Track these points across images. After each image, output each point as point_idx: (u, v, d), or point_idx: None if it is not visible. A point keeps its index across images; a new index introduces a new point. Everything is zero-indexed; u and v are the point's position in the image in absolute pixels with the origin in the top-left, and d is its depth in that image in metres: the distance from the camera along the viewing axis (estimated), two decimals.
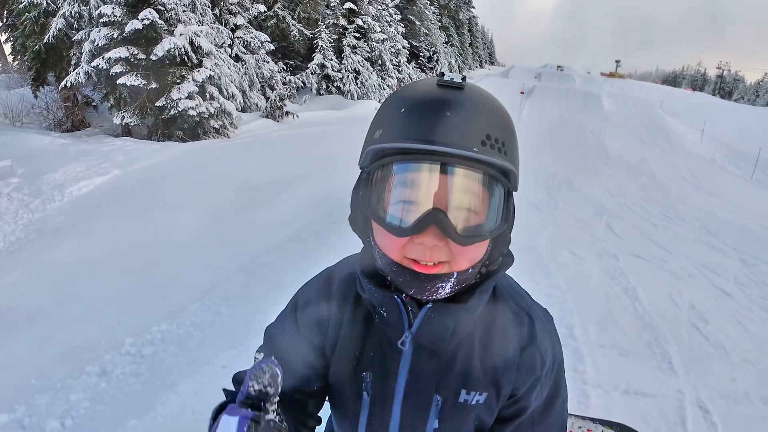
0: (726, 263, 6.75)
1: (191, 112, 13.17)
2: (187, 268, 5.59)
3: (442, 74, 0.87)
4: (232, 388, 1.07)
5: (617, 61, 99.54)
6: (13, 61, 17.43)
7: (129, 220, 7.10)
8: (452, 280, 0.88)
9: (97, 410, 3.24)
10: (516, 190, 0.91)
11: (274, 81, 18.94)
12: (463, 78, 0.88)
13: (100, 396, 3.38)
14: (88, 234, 6.69)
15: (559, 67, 77.92)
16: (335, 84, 23.64)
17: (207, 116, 13.63)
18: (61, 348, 4.00)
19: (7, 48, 14.96)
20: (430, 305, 0.93)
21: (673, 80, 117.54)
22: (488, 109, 0.87)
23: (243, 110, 16.70)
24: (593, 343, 4.18)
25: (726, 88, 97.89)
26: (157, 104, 13.01)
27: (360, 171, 0.93)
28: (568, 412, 2.58)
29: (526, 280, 4.72)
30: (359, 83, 24.05)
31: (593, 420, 2.61)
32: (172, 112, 13.04)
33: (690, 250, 7.21)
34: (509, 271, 1.05)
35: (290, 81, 20.59)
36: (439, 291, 0.89)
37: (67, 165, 9.16)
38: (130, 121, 13.04)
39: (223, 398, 1.03)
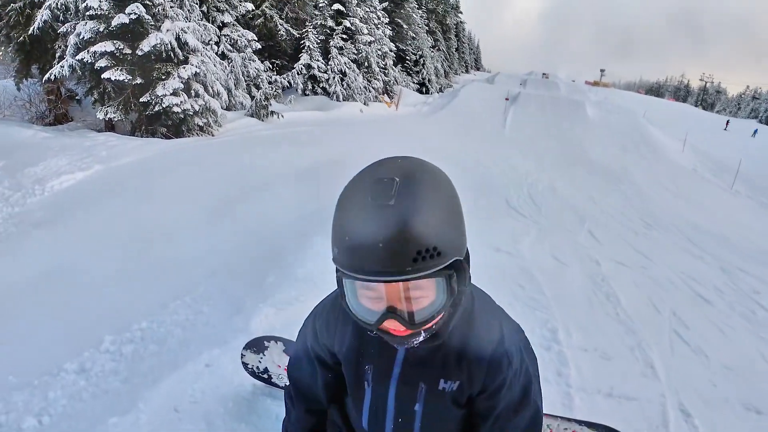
0: (706, 271, 6.83)
1: (176, 109, 13.14)
2: (168, 265, 5.51)
3: (376, 180, 1.06)
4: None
5: (602, 70, 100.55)
6: None
7: (110, 216, 7.05)
8: (421, 336, 1.18)
9: (75, 408, 3.20)
10: (465, 254, 1.15)
11: (260, 80, 18.92)
12: (395, 181, 1.04)
13: (79, 394, 3.33)
14: (68, 229, 6.61)
15: (544, 74, 78.55)
16: (321, 85, 23.67)
17: (191, 113, 13.60)
18: (39, 345, 3.95)
19: None
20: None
21: (656, 90, 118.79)
22: (417, 219, 1.01)
23: (228, 108, 16.71)
24: (576, 347, 4.21)
25: (708, 99, 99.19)
26: (141, 100, 12.94)
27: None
28: (554, 414, 2.62)
29: (511, 284, 4.74)
30: (345, 85, 24.08)
31: (579, 422, 2.64)
32: (157, 108, 13.00)
33: (670, 257, 7.29)
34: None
35: (276, 80, 20.59)
36: (414, 342, 1.19)
37: (48, 159, 9.07)
38: (114, 117, 12.98)
39: None
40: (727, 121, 42.76)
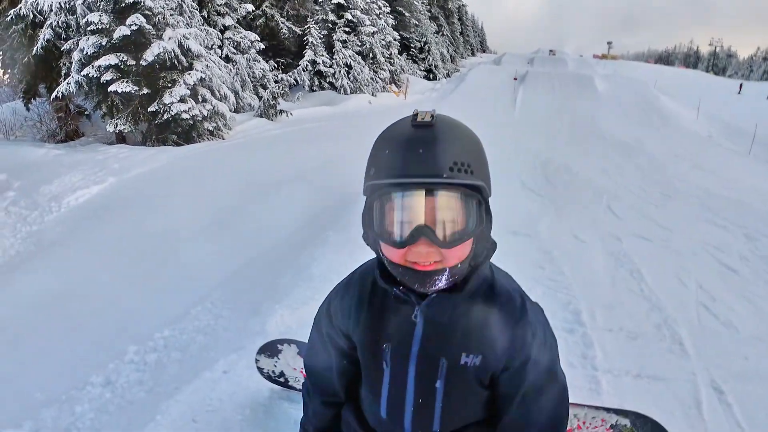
0: (729, 239, 6.68)
1: (184, 116, 13.18)
2: (188, 271, 5.55)
3: (416, 116, 1.13)
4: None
5: (609, 43, 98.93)
6: (3, 74, 17.40)
7: (127, 227, 7.08)
8: (445, 274, 1.16)
9: (102, 421, 3.21)
10: (489, 196, 1.21)
11: (266, 80, 18.91)
12: (432, 116, 1.12)
13: (105, 406, 3.35)
14: (86, 244, 6.66)
15: (551, 51, 77.40)
16: (327, 80, 23.63)
17: (200, 119, 13.63)
18: (65, 360, 3.97)
19: None
20: (434, 295, 1.23)
21: (666, 59, 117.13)
22: (455, 139, 1.12)
23: (236, 111, 16.71)
24: (601, 327, 4.13)
25: (719, 64, 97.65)
26: (149, 109, 12.99)
27: (365, 198, 1.22)
28: (581, 403, 2.54)
29: (530, 266, 4.66)
30: (352, 77, 24.01)
31: (607, 410, 2.56)
32: (165, 116, 13.04)
33: (692, 228, 7.14)
34: (511, 267, 1.41)
35: (282, 79, 20.56)
36: (436, 283, 1.17)
37: (62, 176, 9.12)
38: (124, 128, 13.05)
39: None
40: (741, 85, 41.98)
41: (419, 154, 1.07)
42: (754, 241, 6.60)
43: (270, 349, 2.99)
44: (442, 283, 1.18)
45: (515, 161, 10.87)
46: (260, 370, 3.04)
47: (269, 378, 3.03)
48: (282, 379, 2.99)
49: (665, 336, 4.07)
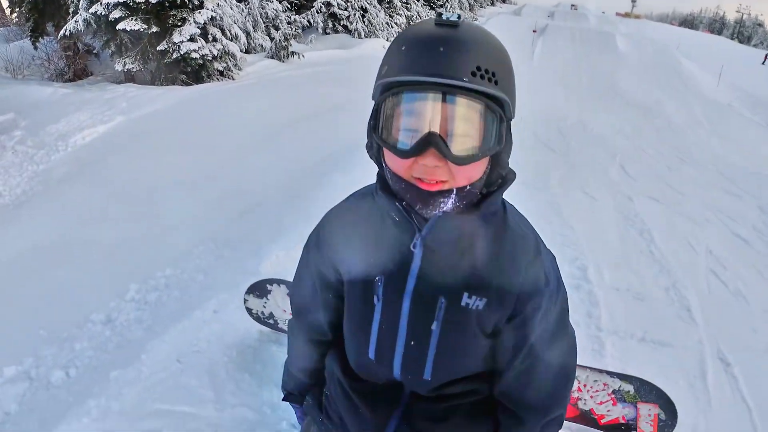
0: (743, 209, 6.48)
1: (194, 55, 12.89)
2: (193, 210, 5.53)
3: (440, 14, 0.97)
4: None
5: (633, 1, 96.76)
6: (11, 13, 17.19)
7: (134, 167, 7.04)
8: (452, 196, 1.01)
9: (100, 359, 3.24)
10: (513, 118, 1.04)
11: (278, 21, 18.55)
12: (459, 17, 0.96)
13: (104, 344, 3.39)
14: (93, 183, 6.64)
15: (573, 5, 75.49)
16: (342, 23, 22.93)
17: (210, 59, 13.34)
18: (69, 298, 4.00)
19: (4, 1, 14.53)
20: (440, 214, 1.05)
21: (690, 22, 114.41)
22: (480, 43, 0.96)
23: (247, 51, 16.42)
24: (608, 286, 3.98)
25: (745, 32, 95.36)
26: (158, 48, 12.72)
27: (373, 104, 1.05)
28: (584, 365, 2.38)
29: (539, 219, 4.46)
30: (366, 21, 23.32)
31: (610, 374, 2.41)
32: (175, 55, 12.75)
33: (706, 194, 6.93)
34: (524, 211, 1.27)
35: (295, 20, 20.12)
36: (441, 206, 1.02)
37: (70, 115, 9.14)
38: (133, 67, 12.82)
39: None
40: (766, 55, 40.98)
41: (439, 52, 0.92)
42: None
43: (259, 289, 2.87)
44: (447, 206, 1.03)
45: (528, 113, 10.57)
46: (249, 310, 2.93)
47: (258, 319, 2.93)
48: (271, 321, 2.88)
49: (673, 300, 3.93)
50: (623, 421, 2.39)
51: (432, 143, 0.95)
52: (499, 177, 1.09)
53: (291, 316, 1.52)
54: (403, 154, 0.98)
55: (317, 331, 1.43)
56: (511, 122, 1.04)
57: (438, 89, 0.93)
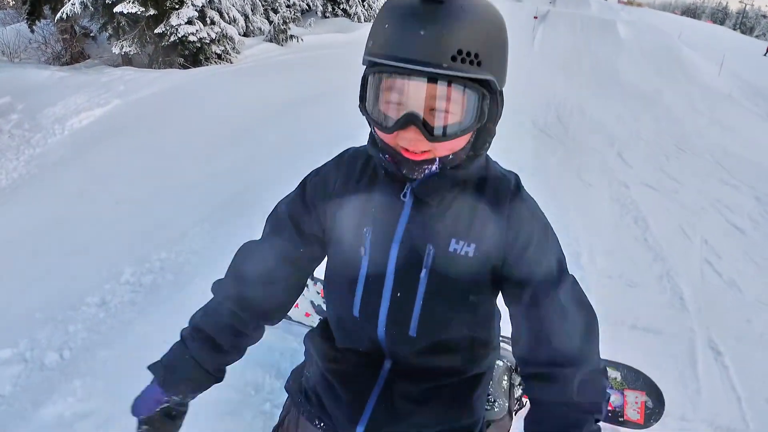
0: (739, 199, 6.44)
1: (192, 38, 12.73)
2: (190, 193, 5.48)
3: None
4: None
5: None
6: None
7: (131, 149, 7.02)
8: (436, 163, 1.06)
9: (93, 341, 3.21)
10: (501, 87, 1.06)
11: (277, 4, 18.35)
12: None
13: (98, 326, 3.35)
14: (89, 166, 6.61)
15: None
16: (341, 6, 22.65)
17: (208, 42, 13.18)
18: (65, 281, 3.98)
19: None
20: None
21: (693, 12, 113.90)
22: (464, 21, 0.95)
23: (245, 35, 16.24)
24: (600, 273, 3.95)
25: (748, 23, 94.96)
26: (156, 31, 12.52)
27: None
28: None
29: None
30: (366, 5, 23.06)
31: None
32: (172, 38, 12.58)
33: (703, 184, 6.89)
34: None
35: (294, 3, 19.87)
36: (426, 172, 1.07)
37: (66, 98, 9.02)
38: (130, 50, 12.61)
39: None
40: None
41: (420, 36, 0.94)
42: (765, 205, 6.36)
43: None
44: (432, 170, 1.08)
45: (527, 98, 10.50)
46: None
47: None
48: None
49: (666, 288, 3.89)
50: (610, 408, 2.36)
51: (412, 121, 0.98)
52: (485, 142, 1.11)
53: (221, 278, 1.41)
54: (386, 130, 1.02)
55: (249, 311, 1.35)
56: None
57: (418, 73, 0.95)
